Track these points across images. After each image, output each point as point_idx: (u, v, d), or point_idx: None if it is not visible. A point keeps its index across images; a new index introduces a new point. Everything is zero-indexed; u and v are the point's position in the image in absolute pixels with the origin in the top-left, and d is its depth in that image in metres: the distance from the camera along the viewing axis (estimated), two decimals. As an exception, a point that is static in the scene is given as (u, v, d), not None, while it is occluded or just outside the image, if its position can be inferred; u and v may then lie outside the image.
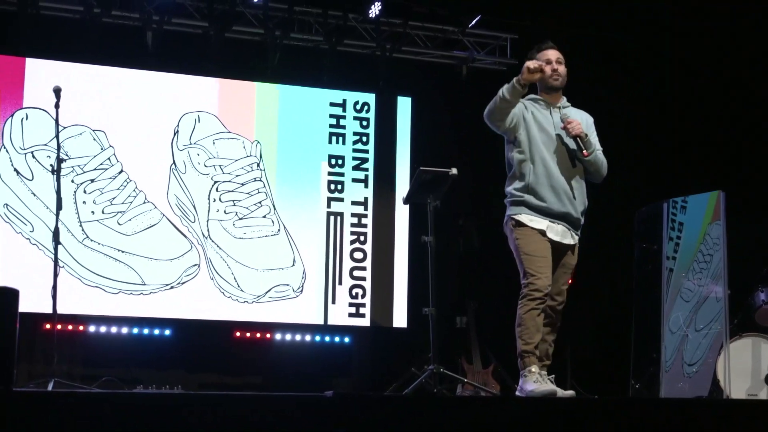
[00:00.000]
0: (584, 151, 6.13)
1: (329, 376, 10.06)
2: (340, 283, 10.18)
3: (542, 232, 6.15)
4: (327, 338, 10.31)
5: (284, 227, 10.08)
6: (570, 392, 6.12)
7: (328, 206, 10.27)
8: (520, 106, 6.25)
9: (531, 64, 6.05)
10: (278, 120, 10.25)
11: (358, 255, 10.28)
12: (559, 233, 6.19)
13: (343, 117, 10.41)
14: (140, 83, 9.90)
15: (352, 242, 10.28)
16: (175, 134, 9.90)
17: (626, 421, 4.97)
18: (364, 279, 10.27)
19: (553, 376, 6.22)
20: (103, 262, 9.53)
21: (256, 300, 9.89)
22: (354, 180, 10.37)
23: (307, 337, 10.22)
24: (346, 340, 10.37)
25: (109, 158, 9.68)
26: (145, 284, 9.61)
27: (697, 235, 9.13)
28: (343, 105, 10.46)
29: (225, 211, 9.92)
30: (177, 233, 9.79)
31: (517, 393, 6.14)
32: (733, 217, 8.96)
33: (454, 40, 10.88)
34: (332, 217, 10.26)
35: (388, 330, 10.35)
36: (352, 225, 10.29)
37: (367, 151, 10.45)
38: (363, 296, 10.23)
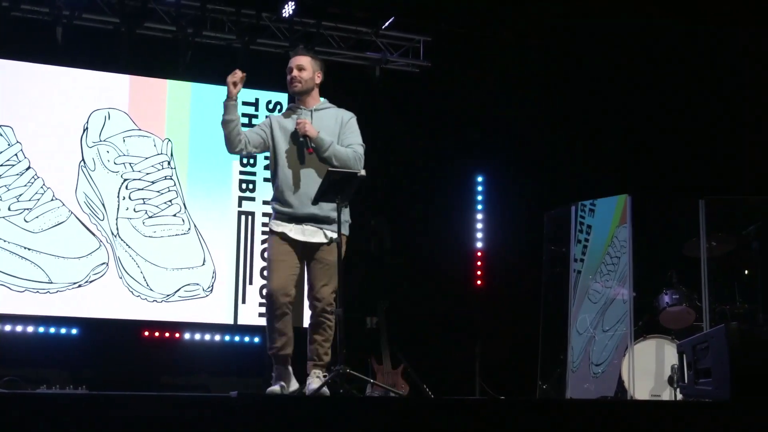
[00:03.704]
0: (307, 149, 6.27)
1: (239, 376, 10.01)
2: (251, 283, 10.14)
3: (283, 235, 6.29)
4: (237, 338, 10.26)
5: (195, 226, 10.01)
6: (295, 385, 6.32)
7: (239, 205, 10.23)
8: (267, 128, 6.47)
9: (229, 77, 6.33)
10: (190, 118, 10.17)
11: (269, 255, 10.23)
12: (306, 233, 6.32)
13: (256, 116, 10.35)
14: (50, 78, 9.77)
15: (263, 242, 10.23)
16: (84, 131, 9.78)
17: (532, 421, 5.00)
18: (274, 279, 10.20)
19: (327, 376, 6.24)
20: (9, 259, 9.38)
21: (166, 299, 9.81)
22: (266, 179, 10.29)
23: (217, 337, 10.16)
24: (256, 340, 10.30)
25: (16, 154, 9.54)
26: (52, 282, 9.47)
27: (605, 237, 9.27)
28: (256, 104, 10.42)
29: (134, 210, 9.81)
30: (85, 231, 9.67)
31: None
32: (640, 220, 9.11)
33: (368, 41, 10.89)
34: (243, 217, 10.21)
35: (298, 330, 10.29)
36: (263, 224, 10.23)
37: (279, 151, 10.40)
38: (273, 296, 10.17)
